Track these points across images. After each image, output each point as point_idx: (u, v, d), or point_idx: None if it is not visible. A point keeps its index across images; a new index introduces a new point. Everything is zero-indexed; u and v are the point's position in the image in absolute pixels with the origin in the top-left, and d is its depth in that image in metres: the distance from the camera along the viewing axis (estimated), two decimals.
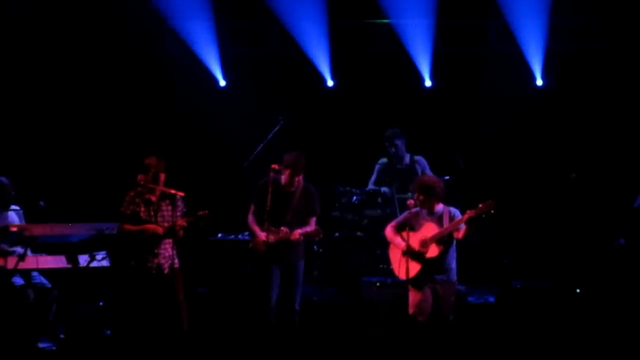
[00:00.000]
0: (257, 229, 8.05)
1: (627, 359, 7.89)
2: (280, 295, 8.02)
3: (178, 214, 8.14)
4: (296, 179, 8.01)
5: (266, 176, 8.13)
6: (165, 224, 8.04)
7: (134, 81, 11.00)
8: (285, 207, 7.98)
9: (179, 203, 8.21)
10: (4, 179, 8.40)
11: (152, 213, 8.10)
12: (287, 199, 8.02)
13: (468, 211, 7.60)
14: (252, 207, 8.16)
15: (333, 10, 10.90)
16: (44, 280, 8.38)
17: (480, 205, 7.54)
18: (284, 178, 8.04)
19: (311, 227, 8.04)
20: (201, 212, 8.05)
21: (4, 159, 9.71)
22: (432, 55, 10.95)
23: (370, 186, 10.12)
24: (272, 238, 7.91)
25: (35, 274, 8.33)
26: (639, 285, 8.06)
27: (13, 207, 8.41)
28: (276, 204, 7.94)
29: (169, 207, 8.13)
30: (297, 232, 7.93)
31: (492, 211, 7.50)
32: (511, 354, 8.23)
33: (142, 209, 8.10)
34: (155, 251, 8.00)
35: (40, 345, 8.28)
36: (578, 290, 8.71)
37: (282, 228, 7.91)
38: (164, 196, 8.16)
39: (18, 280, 8.26)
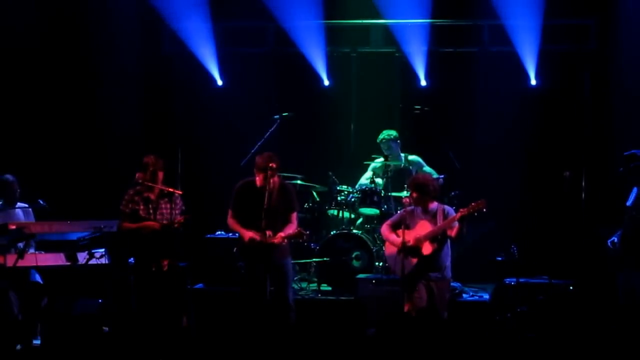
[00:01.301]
0: (241, 229, 7.97)
1: (620, 355, 7.96)
2: (273, 293, 8.02)
3: (177, 211, 8.23)
4: (271, 180, 7.90)
5: (241, 180, 8.13)
6: (164, 222, 8.12)
7: (132, 80, 11.04)
8: (263, 208, 7.84)
9: (178, 201, 8.30)
10: (9, 176, 8.46)
11: (151, 211, 8.18)
12: (263, 200, 7.87)
13: (460, 210, 7.70)
14: (231, 212, 8.07)
15: (329, 11, 10.97)
16: (38, 279, 8.43)
17: (473, 204, 7.63)
18: (258, 180, 7.95)
19: (293, 225, 7.95)
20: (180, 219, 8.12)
21: (4, 158, 9.77)
22: (427, 55, 11.03)
23: (363, 181, 10.19)
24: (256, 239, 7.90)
25: (31, 271, 8.40)
26: (632, 282, 8.11)
27: (20, 204, 8.47)
28: (253, 206, 7.88)
29: (168, 205, 8.21)
30: (280, 236, 7.84)
31: (484, 209, 7.59)
32: (506, 350, 8.30)
33: (141, 207, 8.17)
34: (155, 248, 8.08)
35: (37, 342, 8.35)
36: (571, 287, 8.77)
37: (266, 232, 7.84)
38: (162, 194, 8.24)
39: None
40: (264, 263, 7.89)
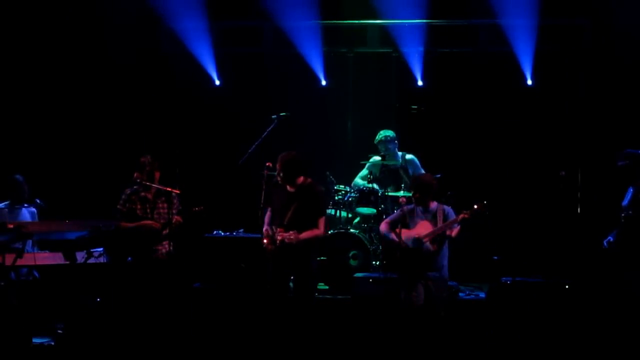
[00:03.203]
0: (264, 226, 7.93)
1: (615, 353, 8.00)
2: (291, 292, 7.99)
3: (174, 211, 8.26)
4: (292, 179, 7.82)
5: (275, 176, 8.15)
6: (162, 221, 8.15)
7: (130, 80, 11.06)
8: (285, 208, 7.83)
9: (175, 200, 8.33)
10: (19, 176, 8.54)
11: (148, 210, 8.21)
12: (288, 199, 7.85)
13: (463, 213, 7.73)
14: (267, 206, 8.00)
15: (326, 11, 11.01)
16: (38, 277, 8.48)
17: (475, 207, 7.69)
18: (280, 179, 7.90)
19: (315, 230, 7.76)
20: (196, 208, 8.16)
21: (4, 158, 9.80)
22: (424, 55, 11.08)
23: (357, 180, 10.23)
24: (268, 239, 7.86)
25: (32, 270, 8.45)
26: (627, 281, 8.16)
27: (26, 206, 8.52)
28: (279, 205, 7.86)
29: (165, 205, 8.24)
30: (280, 237, 7.75)
31: (486, 212, 7.66)
32: (502, 348, 8.34)
33: (139, 206, 8.21)
34: (153, 248, 8.12)
35: (38, 340, 8.37)
36: (567, 286, 8.81)
37: (278, 229, 7.80)
38: (159, 194, 8.27)
39: (12, 276, 8.38)
40: (282, 261, 7.83)
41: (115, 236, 8.25)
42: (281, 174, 7.84)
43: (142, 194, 8.25)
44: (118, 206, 8.25)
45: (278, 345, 7.88)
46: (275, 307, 7.86)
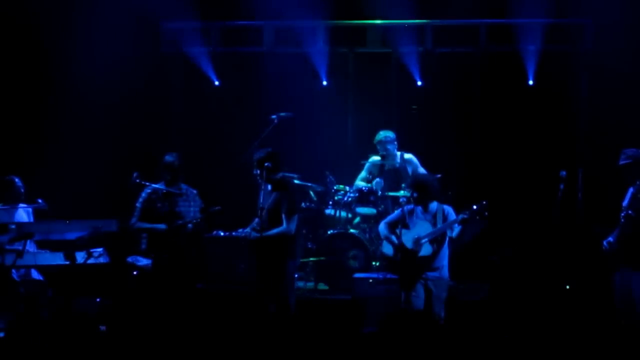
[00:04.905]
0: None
1: (613, 354, 8.01)
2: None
3: (191, 209, 8.33)
4: (266, 176, 7.85)
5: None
6: (180, 222, 8.23)
7: (130, 81, 11.07)
8: (265, 206, 7.93)
9: (195, 199, 8.43)
10: (12, 177, 8.58)
11: (168, 208, 8.28)
12: (268, 198, 7.92)
13: (463, 214, 7.74)
14: None
15: (326, 11, 11.02)
16: (39, 277, 8.48)
17: (475, 207, 7.69)
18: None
19: (282, 227, 7.82)
20: (214, 208, 8.20)
21: (4, 158, 9.81)
22: (424, 55, 11.09)
23: (358, 182, 10.23)
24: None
25: (31, 270, 8.45)
26: (628, 282, 8.15)
27: (22, 206, 8.55)
28: (262, 204, 7.96)
29: (185, 203, 8.34)
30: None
31: (486, 213, 7.66)
32: (501, 349, 8.34)
33: (158, 205, 8.29)
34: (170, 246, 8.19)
35: (37, 340, 8.38)
36: (567, 287, 8.82)
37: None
38: (179, 193, 8.35)
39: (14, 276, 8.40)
40: (257, 259, 7.93)
41: (117, 236, 8.28)
42: (258, 173, 7.90)
43: (164, 192, 8.31)
44: (137, 204, 8.33)
45: (277, 345, 7.90)
46: (257, 309, 7.94)
